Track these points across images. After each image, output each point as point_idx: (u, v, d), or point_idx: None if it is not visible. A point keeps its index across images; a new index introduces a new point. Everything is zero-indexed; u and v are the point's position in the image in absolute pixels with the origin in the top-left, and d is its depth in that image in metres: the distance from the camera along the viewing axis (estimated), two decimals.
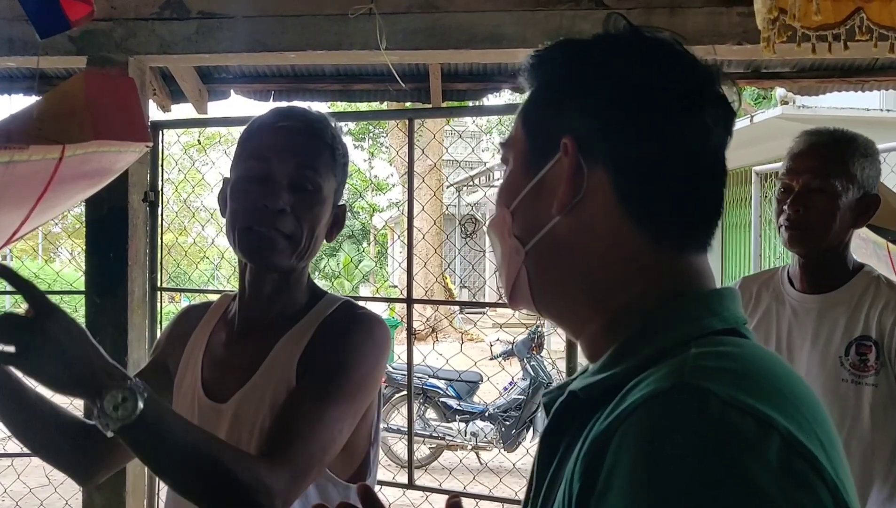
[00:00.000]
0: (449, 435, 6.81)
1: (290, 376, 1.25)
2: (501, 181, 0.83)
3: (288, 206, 1.25)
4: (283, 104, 1.41)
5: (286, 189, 1.25)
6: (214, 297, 1.51)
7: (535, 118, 0.79)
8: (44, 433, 1.40)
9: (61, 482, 4.17)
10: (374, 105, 3.73)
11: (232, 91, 3.56)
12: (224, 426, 1.26)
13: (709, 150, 0.74)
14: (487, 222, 0.86)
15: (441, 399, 6.98)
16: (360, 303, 1.40)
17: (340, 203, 1.38)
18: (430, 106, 3.43)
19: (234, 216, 1.28)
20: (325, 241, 1.37)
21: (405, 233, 3.02)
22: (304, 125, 1.31)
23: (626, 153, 0.72)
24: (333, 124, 1.35)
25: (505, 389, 7.18)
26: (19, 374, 1.40)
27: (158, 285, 3.39)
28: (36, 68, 3.34)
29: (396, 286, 16.45)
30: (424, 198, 10.57)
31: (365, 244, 22.71)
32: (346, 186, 1.41)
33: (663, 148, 0.72)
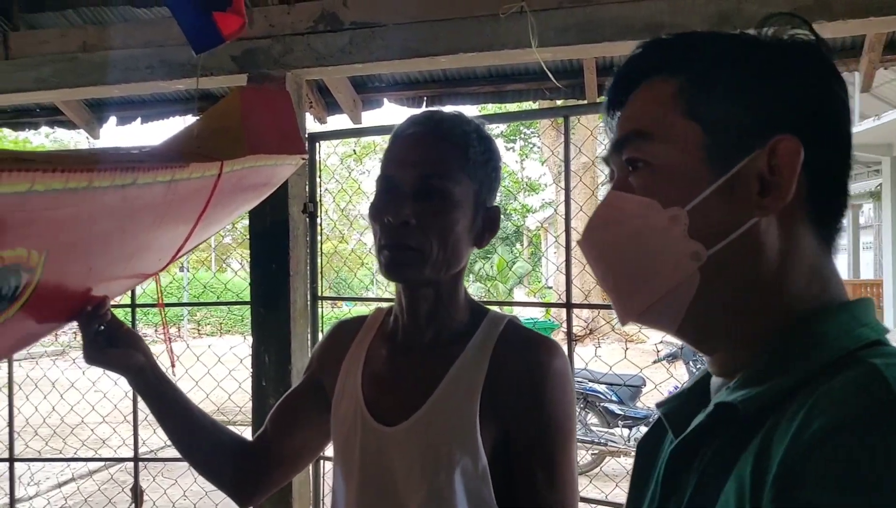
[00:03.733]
0: (612, 442, 6.61)
1: (472, 409, 1.18)
2: (649, 177, 0.74)
3: (412, 218, 1.19)
4: (436, 109, 1.35)
5: (410, 200, 1.20)
6: (374, 304, 1.47)
7: (715, 110, 0.73)
8: (206, 451, 1.42)
9: None
10: (525, 105, 3.63)
11: (385, 99, 3.57)
12: (393, 451, 1.20)
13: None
14: (631, 223, 0.75)
15: (603, 405, 6.78)
16: (520, 308, 1.32)
17: (491, 205, 1.29)
18: (585, 102, 3.30)
19: (373, 234, 1.25)
20: (475, 247, 1.29)
21: (560, 234, 2.90)
22: (428, 130, 1.24)
23: (820, 151, 0.70)
24: (468, 122, 1.26)
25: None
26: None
27: (319, 293, 3.45)
28: (201, 89, 3.50)
29: (551, 288, 16.27)
30: (580, 197, 10.37)
31: (518, 246, 22.63)
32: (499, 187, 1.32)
33: (843, 138, 0.73)
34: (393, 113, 3.35)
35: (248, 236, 3.30)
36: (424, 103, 3.49)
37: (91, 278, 1.30)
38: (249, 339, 3.27)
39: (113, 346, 1.37)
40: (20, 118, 4.06)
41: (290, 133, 1.77)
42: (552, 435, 1.18)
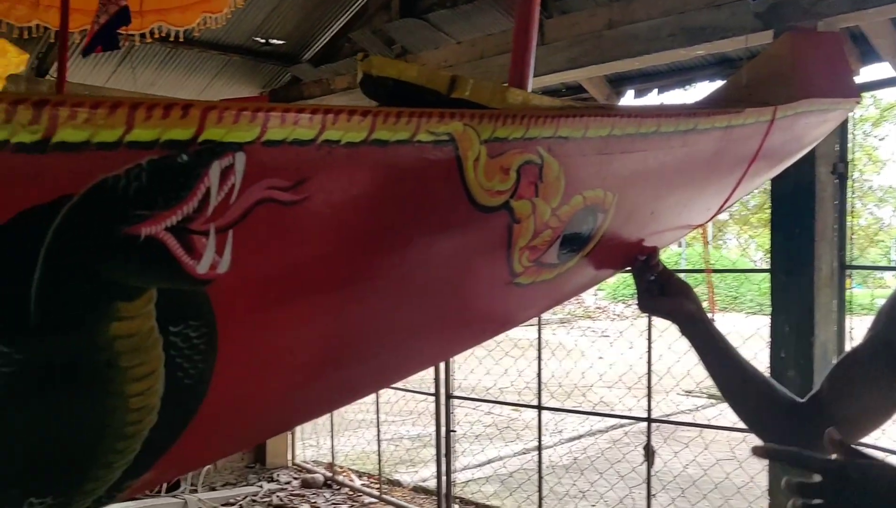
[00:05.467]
0: None
1: None
2: None
3: None
4: None
5: None
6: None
7: None
8: (754, 403, 1.39)
9: (745, 458, 4.27)
10: None
11: None
12: None
13: None
14: None
15: None
16: None
17: None
18: None
19: None
20: None
21: None
22: None
23: None
24: None
25: None
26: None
27: (847, 262, 3.16)
28: (718, 53, 3.45)
29: None
30: None
31: None
32: None
33: None
34: None
35: (745, 212, 3.17)
36: None
37: (650, 223, 1.36)
38: (748, 317, 3.15)
39: (664, 295, 1.41)
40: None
41: (843, 76, 1.65)
42: None
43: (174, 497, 4.95)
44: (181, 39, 3.32)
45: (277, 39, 4.92)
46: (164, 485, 5.00)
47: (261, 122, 0.72)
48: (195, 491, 5.09)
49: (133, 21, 2.74)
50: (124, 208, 0.66)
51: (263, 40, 4.90)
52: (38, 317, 0.64)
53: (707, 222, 1.64)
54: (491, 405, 6.33)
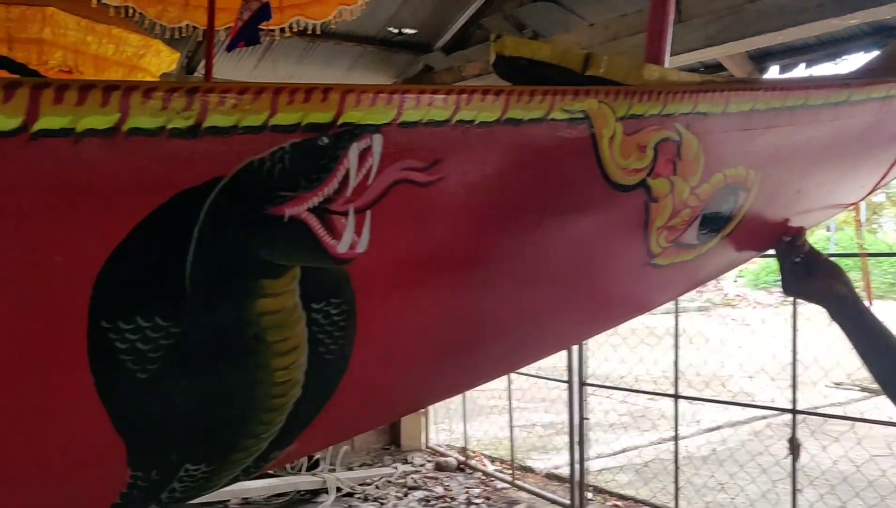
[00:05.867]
0: None
1: None
2: None
3: None
4: None
5: None
6: None
7: None
8: None
9: None
10: None
11: None
12: None
13: None
14: None
15: None
16: None
17: None
18: None
19: None
20: None
21: None
22: None
23: None
24: None
25: None
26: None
27: None
28: (875, 21, 3.23)
29: None
30: None
31: None
32: None
33: None
34: None
35: None
36: None
37: (796, 202, 1.29)
38: None
39: (812, 277, 1.34)
40: None
41: None
42: None
43: (314, 475, 5.16)
44: (318, 32, 3.43)
45: (410, 29, 4.99)
46: (305, 464, 5.22)
47: (397, 104, 0.73)
48: (333, 471, 5.28)
49: (273, 16, 2.85)
50: (270, 189, 0.69)
51: (396, 30, 4.99)
52: (191, 293, 0.68)
53: (860, 201, 1.54)
54: (625, 393, 6.21)
